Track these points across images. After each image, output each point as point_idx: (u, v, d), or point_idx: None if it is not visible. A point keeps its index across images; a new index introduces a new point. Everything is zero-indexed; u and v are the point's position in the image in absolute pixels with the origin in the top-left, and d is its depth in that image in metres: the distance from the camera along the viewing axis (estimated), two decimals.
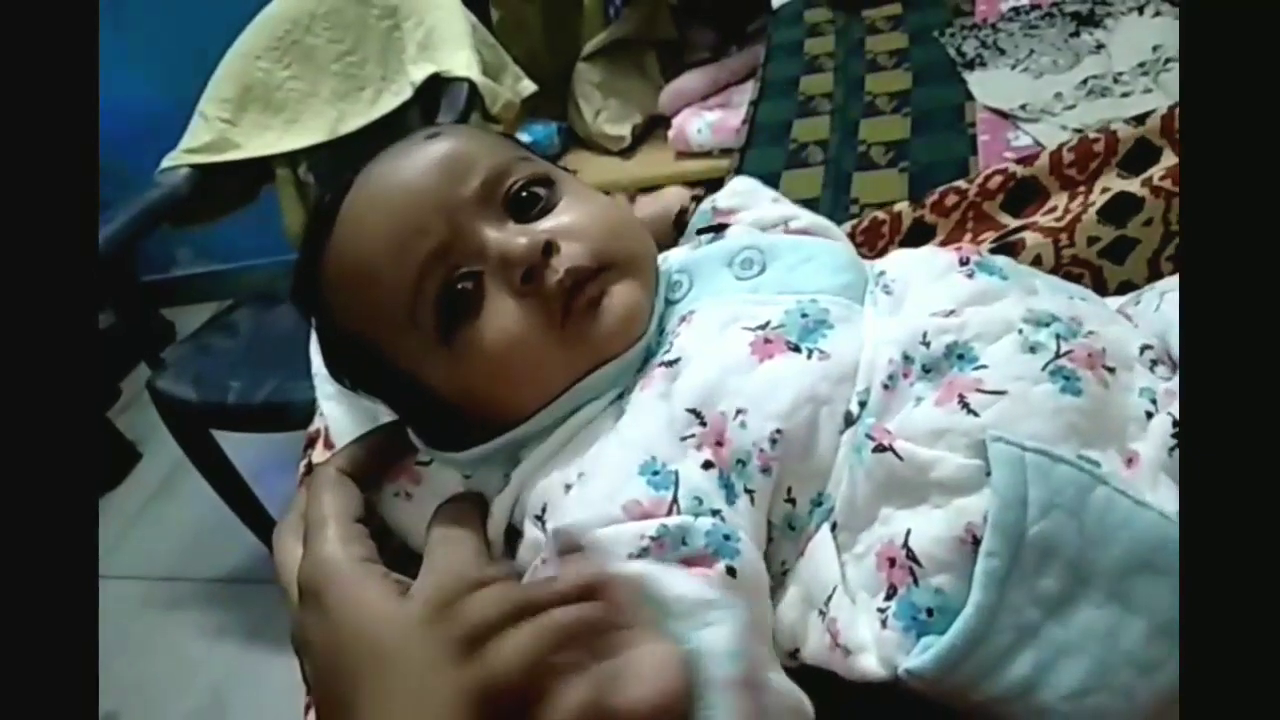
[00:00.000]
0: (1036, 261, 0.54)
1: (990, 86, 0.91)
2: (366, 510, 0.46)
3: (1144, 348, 0.42)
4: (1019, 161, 0.61)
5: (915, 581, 0.36)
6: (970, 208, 0.61)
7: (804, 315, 0.43)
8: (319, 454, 0.58)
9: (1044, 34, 0.98)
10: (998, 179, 0.61)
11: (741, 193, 0.57)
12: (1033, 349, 0.40)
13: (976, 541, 0.35)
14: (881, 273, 0.47)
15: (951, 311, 0.42)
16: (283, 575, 0.44)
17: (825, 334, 0.42)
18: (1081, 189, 0.57)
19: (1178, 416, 0.38)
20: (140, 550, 1.90)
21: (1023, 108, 0.86)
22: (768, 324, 0.43)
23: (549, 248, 0.43)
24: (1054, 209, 0.57)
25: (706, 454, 0.40)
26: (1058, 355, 0.39)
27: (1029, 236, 0.55)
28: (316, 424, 0.59)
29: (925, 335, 0.41)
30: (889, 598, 0.37)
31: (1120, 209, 0.54)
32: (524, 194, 0.45)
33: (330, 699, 0.38)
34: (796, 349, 0.42)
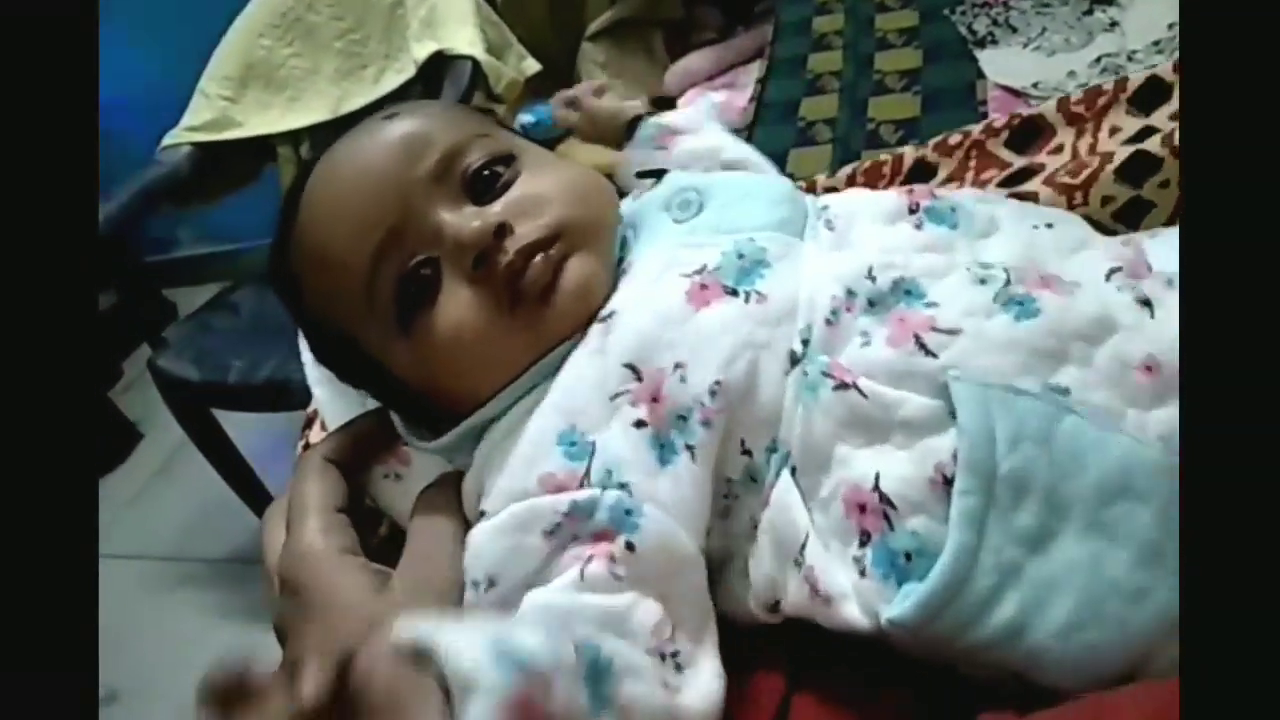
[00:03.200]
0: None
1: (1002, 64, 0.90)
2: (358, 492, 0.46)
3: (1112, 271, 0.41)
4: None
5: (890, 526, 0.36)
6: (974, 146, 0.60)
7: (740, 255, 0.42)
8: (316, 435, 0.58)
9: (1056, 12, 0.96)
10: (1002, 119, 0.60)
11: (690, 118, 0.57)
12: (982, 281, 0.39)
13: (948, 482, 0.35)
14: (825, 207, 0.46)
15: (896, 254, 0.42)
16: (268, 560, 0.44)
17: (762, 274, 0.42)
18: (1089, 125, 0.55)
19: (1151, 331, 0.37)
20: (141, 530, 1.90)
21: (1035, 85, 0.85)
22: (704, 267, 0.42)
23: (501, 229, 0.42)
24: (1060, 148, 0.56)
25: (640, 412, 0.39)
26: (1007, 284, 0.39)
27: (1041, 191, 0.54)
28: (314, 405, 0.59)
29: (871, 270, 0.40)
30: (864, 544, 0.36)
31: (1138, 168, 0.53)
32: (483, 173, 0.44)
33: None
34: (734, 293, 0.41)
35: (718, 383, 0.39)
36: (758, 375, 0.40)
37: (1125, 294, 0.39)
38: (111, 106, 1.99)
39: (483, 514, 0.40)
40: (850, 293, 0.40)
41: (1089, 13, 0.94)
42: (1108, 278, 0.40)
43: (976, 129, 0.60)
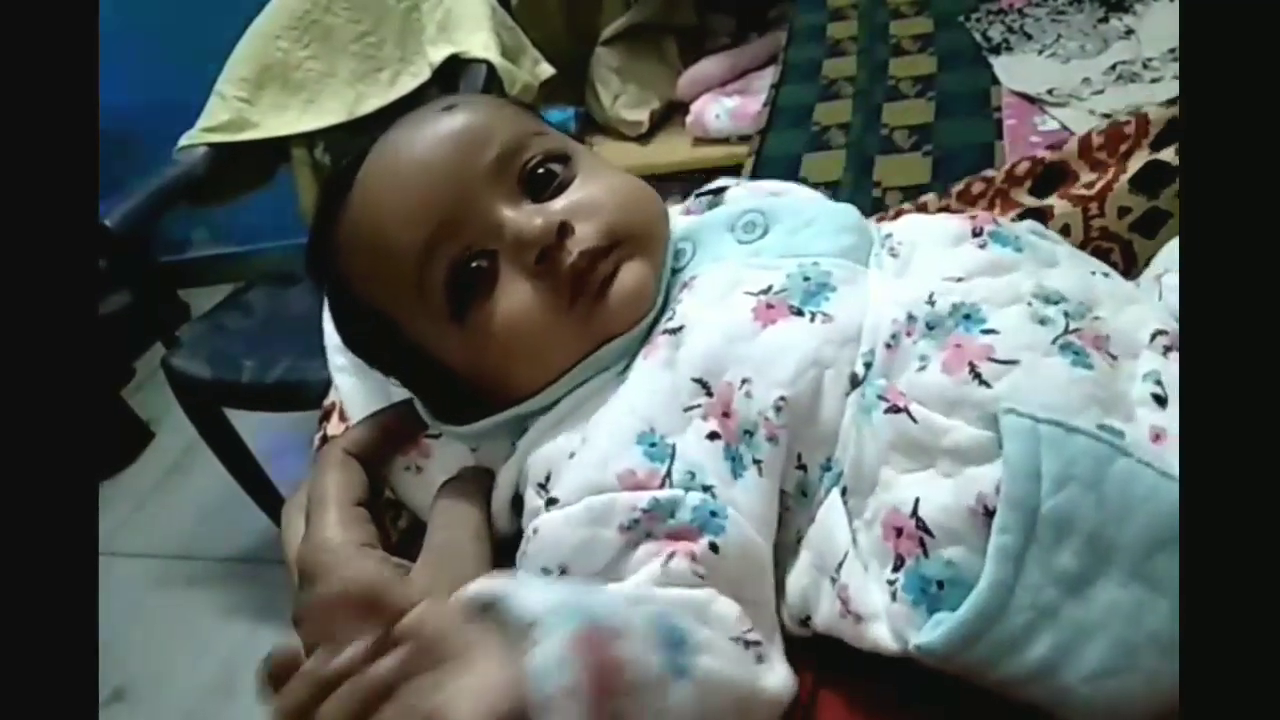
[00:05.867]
0: (1065, 232, 0.53)
1: (1017, 71, 0.90)
2: (378, 485, 0.46)
3: (1157, 333, 0.41)
4: (1048, 149, 0.59)
5: (925, 552, 0.35)
6: (997, 194, 0.59)
7: (806, 278, 0.43)
8: (334, 427, 0.58)
9: (1071, 19, 0.96)
10: (1025, 165, 0.59)
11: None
12: (1042, 321, 0.39)
13: (989, 513, 0.34)
14: (888, 235, 0.46)
15: (960, 279, 0.41)
16: (289, 553, 0.44)
17: (828, 297, 0.42)
18: (1111, 169, 0.56)
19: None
20: (153, 528, 1.90)
21: (1050, 92, 0.85)
22: (770, 288, 0.43)
23: (564, 229, 0.43)
24: (1087, 186, 0.56)
25: (712, 424, 0.40)
26: (1066, 331, 0.39)
27: (1057, 205, 0.54)
28: (331, 397, 0.59)
29: (931, 295, 0.40)
30: (897, 569, 0.36)
31: (1153, 178, 0.53)
32: (540, 170, 0.45)
33: None
34: (799, 313, 0.42)
35: (783, 398, 0.39)
36: (821, 394, 0.40)
37: (1154, 375, 0.39)
38: (129, 110, 2.02)
39: (552, 502, 0.40)
40: (910, 317, 0.40)
41: (1104, 20, 0.94)
42: (1152, 339, 0.40)
43: (999, 175, 0.59)
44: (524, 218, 0.43)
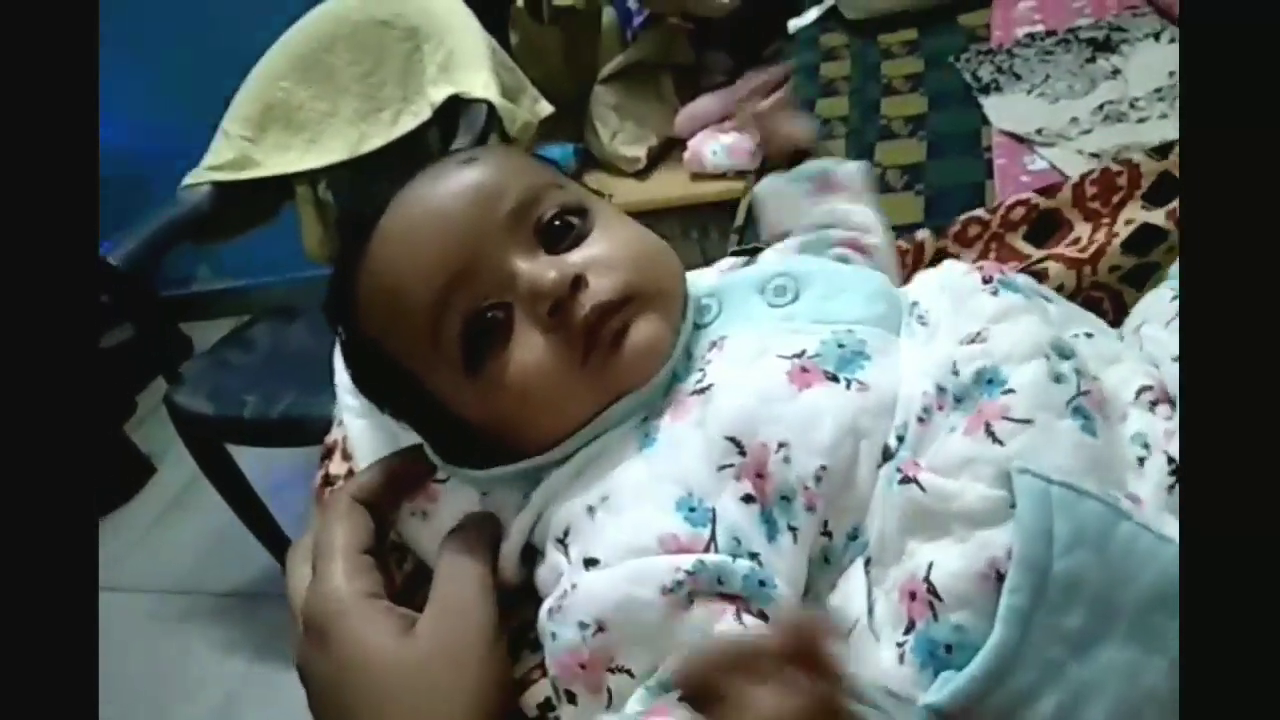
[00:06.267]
0: (1059, 289, 0.54)
1: (1006, 111, 0.92)
2: (384, 530, 0.46)
3: (1142, 389, 0.42)
4: (1041, 193, 0.61)
5: (935, 616, 0.35)
6: (993, 238, 0.61)
7: (841, 345, 0.43)
8: (335, 465, 0.58)
9: (1059, 60, 0.98)
10: (1020, 210, 0.60)
11: (853, 177, 0.58)
12: (1058, 379, 0.39)
13: (1000, 577, 0.35)
14: (915, 303, 0.47)
15: (979, 334, 0.42)
16: (293, 599, 0.44)
17: (863, 365, 0.42)
18: (1105, 220, 0.57)
19: (1175, 455, 0.38)
20: (153, 563, 1.90)
21: (1039, 132, 0.86)
22: (804, 353, 0.42)
23: (578, 282, 0.43)
24: (1078, 240, 0.57)
25: (746, 486, 0.39)
26: (1079, 393, 0.39)
27: (1053, 266, 0.55)
28: (334, 434, 0.60)
29: (955, 365, 0.41)
30: (908, 631, 0.36)
31: (1144, 241, 0.54)
32: (556, 223, 0.45)
33: None
34: (835, 379, 0.41)
35: (823, 468, 0.39)
36: (857, 464, 0.40)
37: (1140, 438, 0.40)
38: (134, 153, 2.05)
39: (593, 563, 0.39)
40: (940, 389, 0.41)
41: (1091, 60, 0.96)
42: (1137, 395, 0.41)
43: (994, 219, 0.60)
44: (539, 269, 0.43)
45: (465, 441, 0.46)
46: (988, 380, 0.40)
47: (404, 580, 0.49)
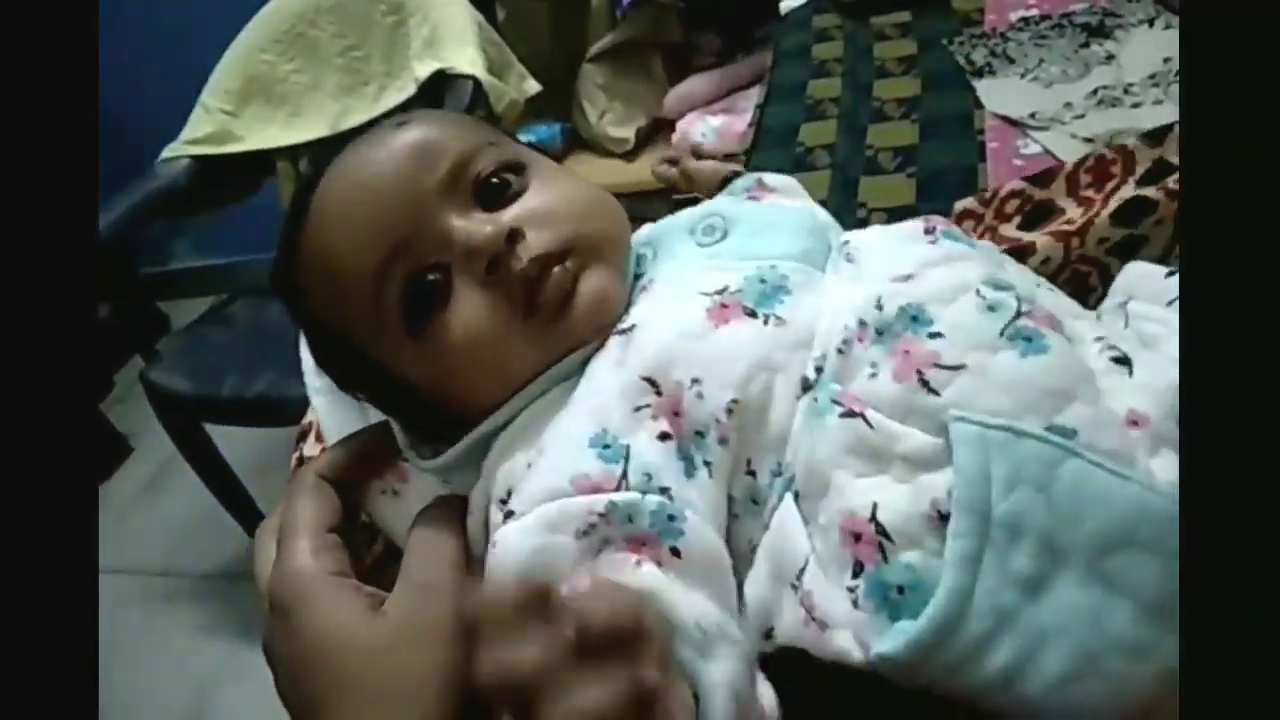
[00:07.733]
0: (1045, 263, 0.53)
1: (1000, 94, 0.91)
2: (353, 510, 0.45)
3: (1098, 338, 0.41)
4: (1035, 182, 0.60)
5: (885, 558, 0.35)
6: (986, 231, 0.60)
7: (762, 281, 0.43)
8: (311, 447, 0.57)
9: (1053, 44, 0.97)
10: (1014, 203, 0.60)
11: (787, 183, 0.57)
12: (991, 308, 0.39)
13: (943, 518, 0.34)
14: (846, 241, 0.47)
15: (910, 275, 0.41)
16: (260, 579, 0.43)
17: (783, 300, 0.42)
18: (1096, 204, 0.56)
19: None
20: (130, 544, 1.88)
21: (1032, 115, 0.85)
22: (725, 289, 0.42)
23: (513, 235, 0.42)
24: (1070, 221, 0.56)
25: (663, 424, 0.39)
26: (1018, 315, 0.38)
27: (1040, 239, 0.54)
28: (309, 416, 0.58)
29: (880, 300, 0.40)
30: (856, 575, 0.35)
31: (1133, 212, 0.54)
32: (493, 180, 0.44)
33: (299, 714, 0.38)
34: (753, 314, 0.41)
35: (734, 401, 0.39)
36: (772, 397, 0.40)
37: (1105, 355, 0.40)
38: (109, 126, 2.01)
39: (510, 514, 0.39)
40: (861, 323, 0.40)
41: (1086, 45, 0.95)
42: (1095, 341, 0.41)
43: (988, 213, 0.60)
44: (473, 226, 0.42)
45: (425, 415, 0.45)
46: (912, 317, 0.39)
47: (373, 561, 0.48)
